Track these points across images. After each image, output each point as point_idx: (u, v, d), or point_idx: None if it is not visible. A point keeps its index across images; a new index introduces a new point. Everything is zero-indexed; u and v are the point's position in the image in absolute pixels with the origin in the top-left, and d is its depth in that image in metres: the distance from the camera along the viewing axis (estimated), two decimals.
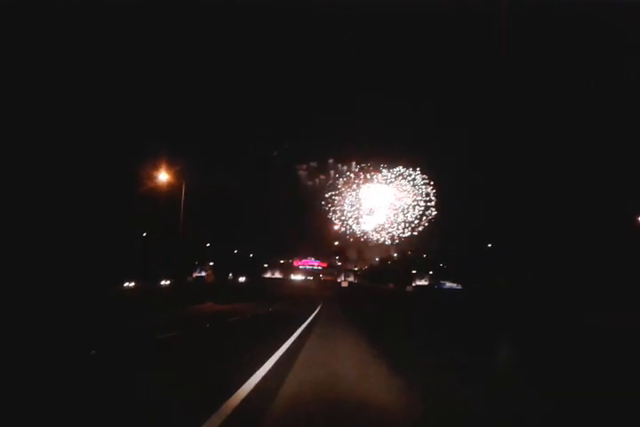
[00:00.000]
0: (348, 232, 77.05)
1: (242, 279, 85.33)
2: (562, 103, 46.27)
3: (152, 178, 33.49)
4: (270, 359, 9.31)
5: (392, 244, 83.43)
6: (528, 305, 29.45)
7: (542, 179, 53.38)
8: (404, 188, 78.97)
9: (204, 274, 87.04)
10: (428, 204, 78.60)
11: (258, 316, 25.58)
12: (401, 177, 78.03)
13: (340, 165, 79.94)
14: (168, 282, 49.60)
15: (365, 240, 79.99)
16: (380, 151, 74.96)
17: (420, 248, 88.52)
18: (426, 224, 79.48)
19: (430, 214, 79.63)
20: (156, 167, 32.79)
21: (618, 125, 40.63)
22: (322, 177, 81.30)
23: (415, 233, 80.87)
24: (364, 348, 12.33)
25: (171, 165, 33.34)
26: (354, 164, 77.04)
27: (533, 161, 55.77)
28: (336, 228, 74.79)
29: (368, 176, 77.51)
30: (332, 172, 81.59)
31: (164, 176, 32.77)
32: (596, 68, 40.30)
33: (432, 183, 78.50)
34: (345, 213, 76.65)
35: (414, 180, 78.25)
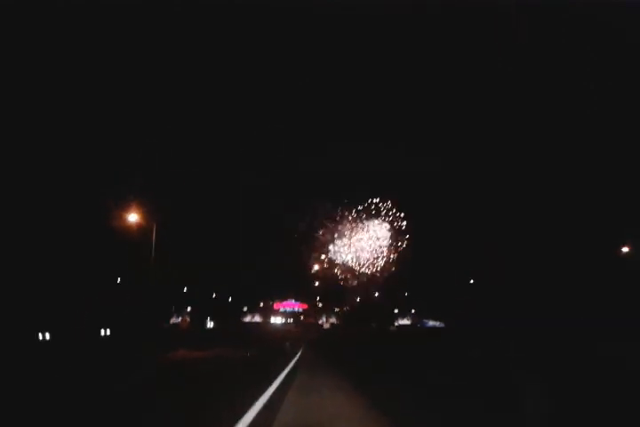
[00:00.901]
0: (328, 272, 74.85)
1: (210, 325, 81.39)
2: (560, 106, 46.11)
3: (124, 219, 31.42)
4: None
5: (370, 283, 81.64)
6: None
7: (525, 206, 52.93)
8: (379, 226, 77.52)
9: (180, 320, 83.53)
10: (403, 242, 77.04)
11: (235, 362, 23.27)
12: (376, 215, 76.65)
13: (314, 203, 78.15)
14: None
15: (345, 280, 77.92)
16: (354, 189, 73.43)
17: (401, 287, 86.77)
18: (399, 263, 77.85)
19: (405, 253, 78.02)
20: (127, 206, 30.78)
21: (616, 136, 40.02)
22: (295, 215, 79.12)
23: (392, 270, 79.22)
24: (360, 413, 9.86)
25: (142, 206, 31.40)
26: (328, 202, 75.32)
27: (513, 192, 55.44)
28: (316, 267, 72.50)
29: (344, 215, 75.86)
30: (305, 210, 79.72)
31: (133, 217, 30.72)
32: (595, 68, 39.96)
33: (405, 224, 77.07)
34: (327, 253, 74.66)
35: (388, 217, 76.95)
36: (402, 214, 76.64)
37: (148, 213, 31.00)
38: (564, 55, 43.89)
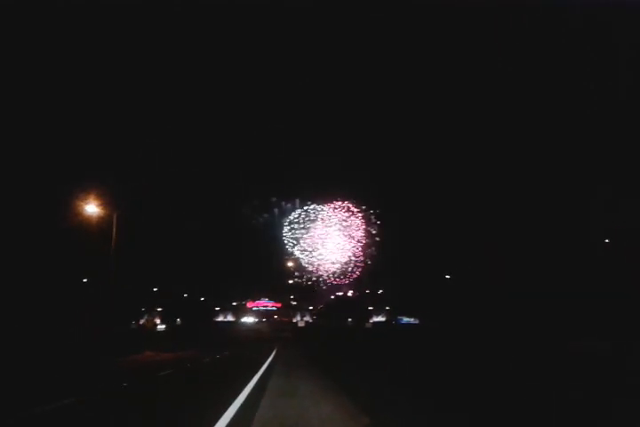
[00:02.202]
0: (302, 270, 72.44)
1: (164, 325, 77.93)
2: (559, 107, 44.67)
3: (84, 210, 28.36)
4: None
5: (346, 279, 79.66)
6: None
7: (501, 205, 51.71)
8: (352, 224, 75.41)
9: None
10: (376, 238, 75.11)
11: (201, 365, 20.76)
12: (348, 213, 74.53)
13: (284, 203, 75.71)
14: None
15: (319, 278, 75.72)
16: (325, 189, 71.49)
17: (375, 284, 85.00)
18: (374, 260, 76.03)
19: (379, 249, 76.15)
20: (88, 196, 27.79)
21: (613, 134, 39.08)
22: (265, 215, 76.68)
23: (366, 267, 77.45)
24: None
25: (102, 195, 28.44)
26: (297, 201, 72.97)
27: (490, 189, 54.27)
28: (290, 264, 69.98)
29: (315, 214, 73.52)
30: (275, 210, 77.29)
31: (92, 208, 27.74)
32: (595, 68, 38.79)
33: (378, 221, 75.25)
34: (298, 250, 72.19)
35: (363, 215, 74.98)
36: (375, 211, 74.90)
37: (108, 205, 28.03)
38: (564, 55, 43.13)
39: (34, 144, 32.02)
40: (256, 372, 16.16)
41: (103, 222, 29.49)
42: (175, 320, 73.16)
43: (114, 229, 28.02)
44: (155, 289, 75.20)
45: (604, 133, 41.17)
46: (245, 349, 34.30)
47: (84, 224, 30.10)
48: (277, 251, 76.29)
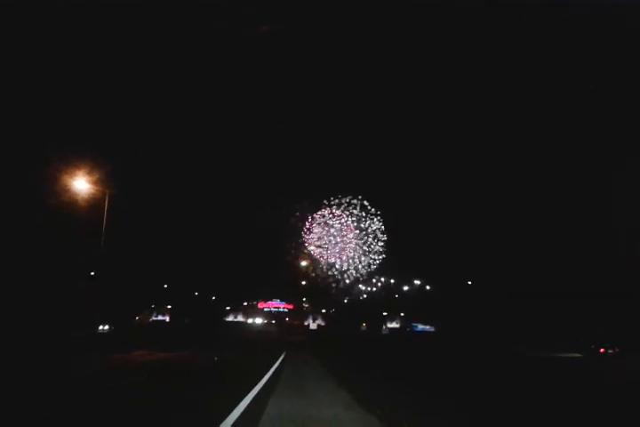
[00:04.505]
0: (316, 271, 67.95)
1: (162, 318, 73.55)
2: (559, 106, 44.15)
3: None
4: None
5: (360, 282, 75.17)
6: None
7: None
8: (367, 226, 70.77)
9: (160, 318, 75.88)
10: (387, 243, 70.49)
11: (190, 372, 16.29)
12: (362, 215, 69.95)
13: (297, 205, 71.43)
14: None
15: (333, 280, 71.19)
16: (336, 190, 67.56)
17: (390, 289, 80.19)
18: (389, 264, 71.45)
19: (394, 254, 71.48)
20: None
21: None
22: (277, 215, 72.55)
23: (378, 272, 73.02)
24: None
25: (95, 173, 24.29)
26: (306, 202, 68.65)
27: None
28: (304, 264, 65.53)
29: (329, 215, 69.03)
30: (286, 211, 73.08)
31: (83, 185, 23.58)
32: (595, 68, 37.87)
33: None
34: (312, 249, 67.76)
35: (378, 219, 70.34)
36: (391, 215, 70.36)
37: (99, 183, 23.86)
38: (565, 55, 41.67)
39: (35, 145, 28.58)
40: (253, 386, 11.66)
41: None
42: (184, 318, 68.94)
43: (105, 211, 23.79)
44: (165, 286, 71.68)
45: (605, 133, 39.87)
46: (250, 352, 29.75)
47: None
48: (291, 251, 72.24)
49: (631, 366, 22.34)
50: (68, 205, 24.24)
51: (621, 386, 14.37)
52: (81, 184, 23.61)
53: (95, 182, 24.11)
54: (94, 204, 25.55)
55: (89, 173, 23.85)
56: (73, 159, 24.90)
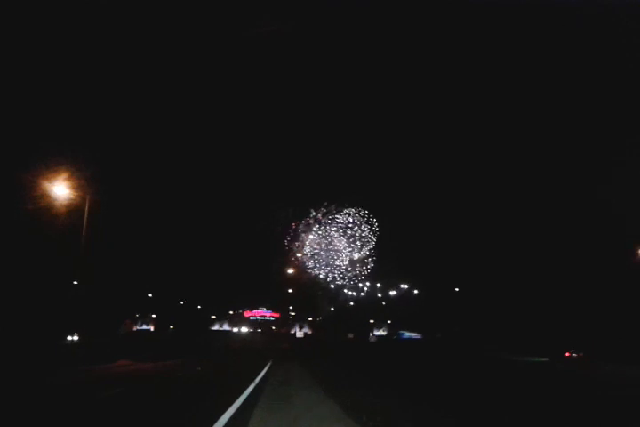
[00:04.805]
0: (301, 277, 67.33)
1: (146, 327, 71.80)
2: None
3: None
4: None
5: (347, 291, 74.61)
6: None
7: None
8: (354, 232, 70.28)
9: (145, 327, 74.36)
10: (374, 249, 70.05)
11: (171, 382, 15.63)
12: (350, 221, 69.51)
13: (284, 211, 70.79)
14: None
15: (319, 288, 70.58)
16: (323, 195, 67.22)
17: (376, 294, 79.56)
18: (375, 271, 71.05)
19: (381, 260, 71.07)
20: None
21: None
22: (263, 223, 71.78)
23: (366, 279, 72.56)
24: None
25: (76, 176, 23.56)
26: (291, 210, 68.11)
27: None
28: (290, 271, 64.86)
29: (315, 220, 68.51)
30: (274, 217, 72.41)
31: (61, 190, 22.82)
32: (596, 68, 38.64)
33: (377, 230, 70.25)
34: (299, 258, 67.18)
35: (362, 224, 69.90)
36: (376, 220, 70.05)
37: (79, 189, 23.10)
38: (565, 55, 42.97)
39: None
40: (237, 396, 11.09)
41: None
42: (168, 327, 67.66)
43: (85, 216, 23.04)
44: (150, 295, 70.35)
45: (605, 133, 40.16)
46: (235, 361, 29.01)
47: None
48: (277, 259, 71.43)
49: (588, 368, 25.91)
50: (47, 210, 23.46)
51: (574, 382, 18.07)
52: (60, 189, 22.81)
53: (75, 188, 23.35)
54: (76, 209, 24.81)
55: (69, 179, 23.09)
56: (55, 164, 24.19)
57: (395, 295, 78.10)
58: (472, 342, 47.20)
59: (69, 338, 28.52)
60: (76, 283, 29.71)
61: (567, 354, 32.97)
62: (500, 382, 16.84)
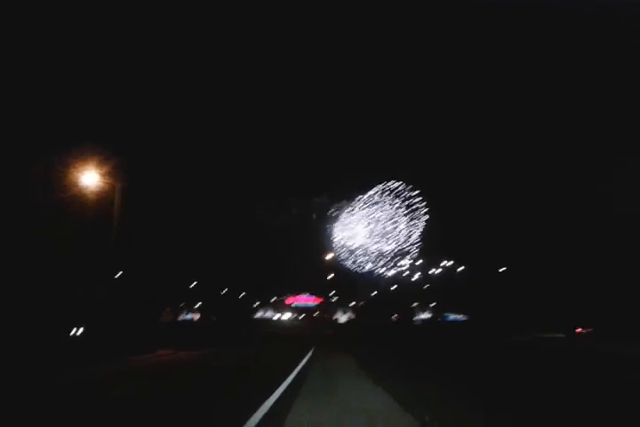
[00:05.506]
0: (342, 263, 66.07)
1: (191, 316, 71.79)
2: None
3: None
4: None
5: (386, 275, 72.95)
6: None
7: None
8: (397, 214, 68.21)
9: (190, 316, 74.92)
10: (420, 230, 67.79)
11: (207, 370, 14.54)
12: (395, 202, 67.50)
13: (316, 199, 69.59)
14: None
15: (362, 268, 69.15)
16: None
17: (417, 279, 77.52)
18: (418, 251, 68.85)
19: (424, 242, 68.89)
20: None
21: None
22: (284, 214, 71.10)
23: (410, 260, 70.48)
24: None
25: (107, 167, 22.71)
26: (325, 196, 66.74)
27: None
28: (329, 257, 63.69)
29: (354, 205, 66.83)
30: (294, 210, 71.65)
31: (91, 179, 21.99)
32: (596, 68, 38.15)
33: (424, 212, 67.98)
34: (340, 241, 65.84)
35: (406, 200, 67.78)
36: (419, 198, 67.76)
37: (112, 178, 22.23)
38: (565, 55, 42.68)
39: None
40: (274, 389, 9.79)
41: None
42: (212, 316, 67.76)
43: (115, 206, 22.16)
44: (195, 284, 70.68)
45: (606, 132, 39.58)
46: (277, 349, 27.99)
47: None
48: (317, 245, 70.44)
49: (594, 342, 27.64)
50: (78, 200, 22.74)
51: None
52: (90, 178, 21.97)
53: (105, 175, 22.49)
54: (106, 200, 24.06)
55: (98, 166, 22.24)
56: (80, 153, 23.41)
57: (438, 274, 75.77)
58: (509, 324, 46.48)
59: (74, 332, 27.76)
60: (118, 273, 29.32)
61: (578, 330, 36.66)
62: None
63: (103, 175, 22.34)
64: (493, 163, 57.80)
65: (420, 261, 73.98)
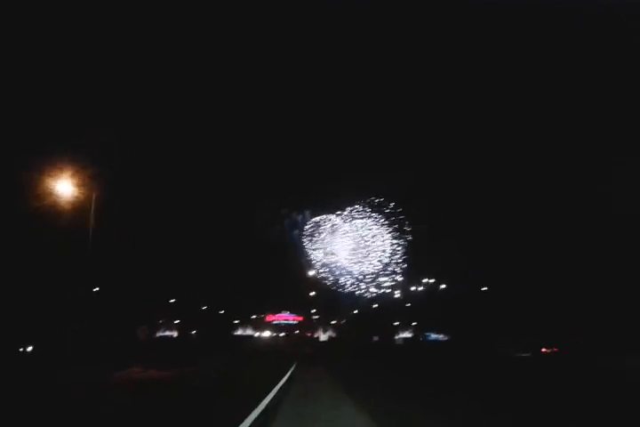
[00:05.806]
0: (323, 281, 65.29)
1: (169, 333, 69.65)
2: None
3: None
4: None
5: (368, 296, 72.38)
6: None
7: None
8: (378, 233, 67.97)
9: (167, 333, 73.08)
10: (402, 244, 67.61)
11: (182, 390, 13.68)
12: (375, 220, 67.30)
13: (294, 214, 69.24)
14: None
15: (341, 290, 68.44)
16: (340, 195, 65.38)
17: (399, 297, 76.92)
18: (401, 269, 68.48)
19: (405, 261, 68.62)
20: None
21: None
22: (279, 227, 70.45)
23: (393, 280, 70.09)
24: None
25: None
26: (308, 212, 66.40)
27: None
28: (311, 274, 62.95)
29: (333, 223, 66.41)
30: (285, 222, 71.14)
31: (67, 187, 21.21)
32: (596, 68, 38.26)
33: (406, 229, 67.93)
34: (317, 259, 65.20)
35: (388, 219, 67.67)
36: (404, 219, 67.73)
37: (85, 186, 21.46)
38: (565, 55, 42.29)
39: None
40: (249, 412, 9.06)
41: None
42: (191, 333, 66.15)
43: (91, 214, 21.35)
44: (173, 301, 69.14)
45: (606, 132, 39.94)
46: (256, 367, 27.02)
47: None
48: (299, 263, 69.67)
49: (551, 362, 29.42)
50: (52, 209, 21.88)
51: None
52: (64, 187, 21.19)
53: (80, 186, 21.71)
54: (83, 208, 23.21)
55: (73, 176, 21.47)
56: (59, 161, 22.67)
57: (419, 292, 75.19)
58: (487, 344, 46.16)
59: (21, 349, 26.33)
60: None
61: (543, 350, 37.46)
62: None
63: (79, 185, 21.59)
64: (489, 166, 58.14)
65: (401, 278, 73.50)
